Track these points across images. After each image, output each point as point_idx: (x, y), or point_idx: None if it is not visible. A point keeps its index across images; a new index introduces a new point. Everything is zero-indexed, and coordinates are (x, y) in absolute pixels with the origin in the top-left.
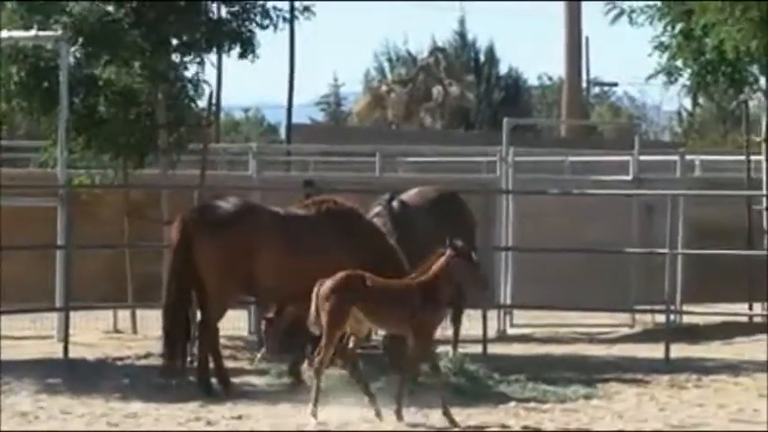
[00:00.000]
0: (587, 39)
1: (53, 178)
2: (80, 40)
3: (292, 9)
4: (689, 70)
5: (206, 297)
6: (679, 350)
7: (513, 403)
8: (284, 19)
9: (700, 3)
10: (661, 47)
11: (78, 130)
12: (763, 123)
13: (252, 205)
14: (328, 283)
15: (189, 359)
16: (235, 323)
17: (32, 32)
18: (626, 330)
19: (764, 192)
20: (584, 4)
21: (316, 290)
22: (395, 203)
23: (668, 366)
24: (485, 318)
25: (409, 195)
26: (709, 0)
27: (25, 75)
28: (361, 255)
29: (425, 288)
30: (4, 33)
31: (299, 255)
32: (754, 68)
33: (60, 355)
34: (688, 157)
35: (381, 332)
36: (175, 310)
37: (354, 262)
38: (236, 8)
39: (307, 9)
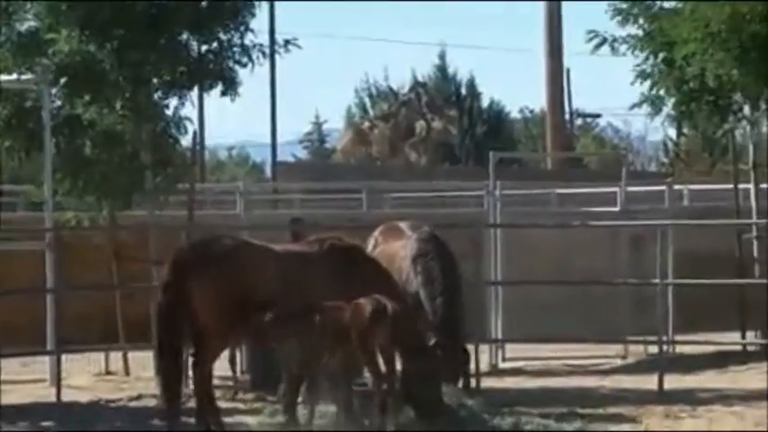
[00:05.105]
0: (568, 70)
1: (41, 222)
2: (62, 80)
3: (272, 44)
4: (672, 99)
5: (201, 336)
6: (673, 381)
7: None
8: (263, 54)
9: (680, 35)
10: (643, 74)
11: (64, 172)
12: (750, 151)
13: (248, 242)
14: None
15: (182, 399)
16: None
17: (14, 76)
18: (619, 361)
19: (754, 220)
20: (564, 35)
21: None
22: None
23: (662, 397)
24: (477, 352)
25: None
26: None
27: (9, 115)
28: (365, 293)
29: None
30: None
31: (299, 293)
32: (738, 96)
33: (53, 398)
34: (676, 187)
35: None
36: (169, 350)
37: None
38: (214, 46)
39: (288, 42)
